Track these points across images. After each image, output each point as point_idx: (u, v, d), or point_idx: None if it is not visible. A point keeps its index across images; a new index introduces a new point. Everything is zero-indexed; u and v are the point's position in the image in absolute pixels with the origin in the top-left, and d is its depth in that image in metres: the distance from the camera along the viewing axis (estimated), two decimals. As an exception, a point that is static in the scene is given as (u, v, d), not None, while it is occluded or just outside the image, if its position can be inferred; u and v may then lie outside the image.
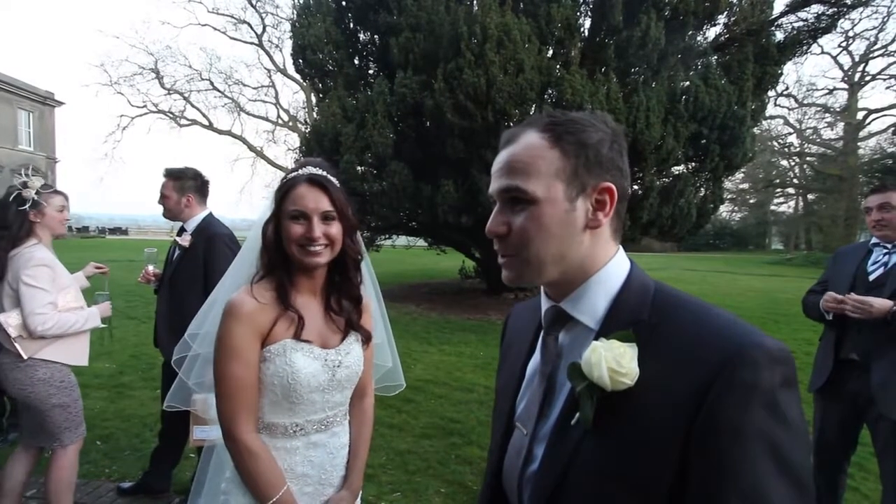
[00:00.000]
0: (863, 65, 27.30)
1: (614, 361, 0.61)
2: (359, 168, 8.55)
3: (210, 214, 2.73)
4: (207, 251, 2.53)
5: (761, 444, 0.54)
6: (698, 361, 0.58)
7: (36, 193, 2.25)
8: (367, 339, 1.34)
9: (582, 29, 8.54)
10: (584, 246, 0.70)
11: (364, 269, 1.38)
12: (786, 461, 0.54)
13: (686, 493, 0.57)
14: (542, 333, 0.77)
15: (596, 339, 0.66)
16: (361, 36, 9.87)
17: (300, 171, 1.23)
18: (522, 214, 0.68)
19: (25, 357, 2.17)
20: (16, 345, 2.15)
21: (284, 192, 1.21)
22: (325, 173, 1.24)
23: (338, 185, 1.24)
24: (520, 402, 0.78)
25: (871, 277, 2.28)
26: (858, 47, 26.29)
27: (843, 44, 25.79)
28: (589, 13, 8.68)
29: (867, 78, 27.59)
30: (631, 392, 0.61)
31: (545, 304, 0.77)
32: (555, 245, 0.68)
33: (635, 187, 8.26)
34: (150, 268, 2.76)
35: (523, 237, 0.68)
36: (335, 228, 1.22)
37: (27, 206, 2.22)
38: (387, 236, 11.47)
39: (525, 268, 0.70)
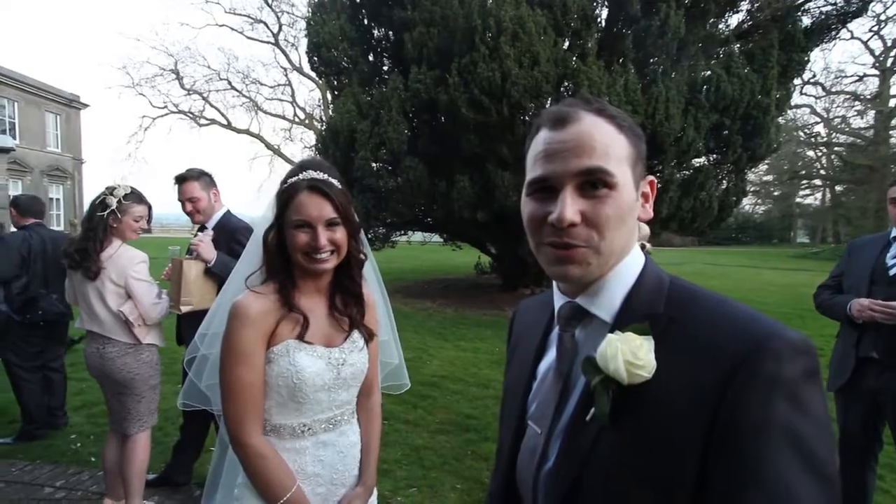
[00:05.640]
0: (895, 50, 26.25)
1: (630, 354, 0.59)
2: (374, 164, 8.59)
3: (228, 210, 2.77)
4: (232, 246, 2.56)
5: (785, 439, 0.52)
6: (718, 354, 0.56)
7: (118, 202, 2.42)
8: (370, 336, 1.34)
9: (598, 19, 8.40)
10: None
11: (369, 268, 1.37)
12: (810, 455, 0.52)
13: (708, 490, 0.54)
14: (557, 331, 0.74)
15: (611, 332, 0.64)
16: (375, 32, 9.88)
17: (300, 177, 1.19)
18: (602, 200, 0.63)
19: (143, 342, 2.45)
20: (134, 332, 2.43)
21: (286, 201, 1.19)
22: (325, 176, 1.20)
23: (339, 188, 1.21)
24: (532, 400, 0.76)
25: (893, 272, 2.18)
26: (891, 31, 25.55)
27: (875, 28, 24.86)
28: (605, 3, 8.51)
29: (900, 64, 26.50)
30: (648, 385, 0.59)
31: (559, 300, 0.73)
32: (625, 235, 0.66)
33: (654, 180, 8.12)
34: None
35: (601, 225, 0.63)
36: (340, 234, 1.19)
37: (106, 213, 2.41)
38: (402, 232, 11.51)
39: (596, 259, 0.64)
